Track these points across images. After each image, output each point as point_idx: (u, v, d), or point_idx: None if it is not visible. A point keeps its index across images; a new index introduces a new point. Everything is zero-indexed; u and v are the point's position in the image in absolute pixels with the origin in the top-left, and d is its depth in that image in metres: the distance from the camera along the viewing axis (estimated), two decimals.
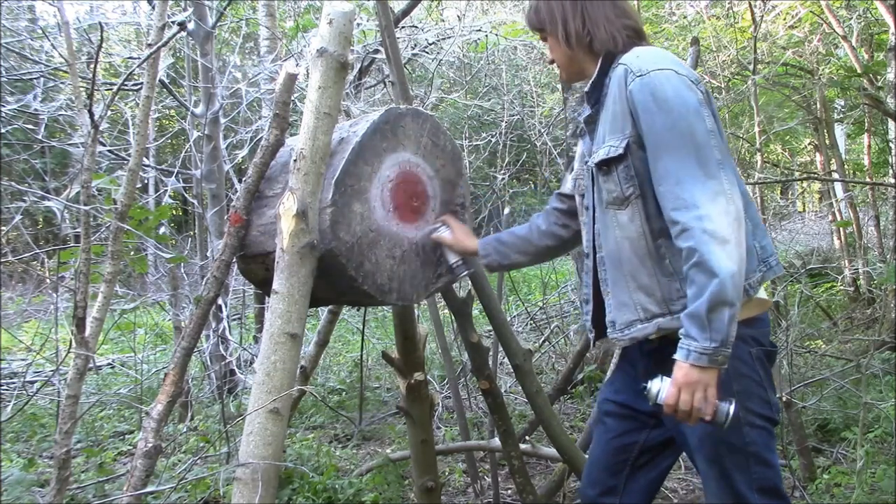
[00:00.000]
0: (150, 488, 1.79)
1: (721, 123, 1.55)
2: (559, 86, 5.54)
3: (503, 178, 5.59)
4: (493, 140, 5.83)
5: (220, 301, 4.14)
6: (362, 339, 4.20)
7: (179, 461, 3.44)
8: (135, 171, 2.25)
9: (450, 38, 6.44)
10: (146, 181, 7.23)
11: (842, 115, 7.86)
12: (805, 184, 15.08)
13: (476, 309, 2.70)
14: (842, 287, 6.73)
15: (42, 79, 5.17)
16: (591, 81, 1.64)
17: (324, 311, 3.31)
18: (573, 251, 4.83)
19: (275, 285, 1.72)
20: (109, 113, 3.22)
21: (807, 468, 3.02)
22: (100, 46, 2.45)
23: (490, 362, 2.70)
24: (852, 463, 2.92)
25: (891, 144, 6.25)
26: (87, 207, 2.15)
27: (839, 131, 8.35)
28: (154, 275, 5.36)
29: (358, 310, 6.19)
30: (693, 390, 1.41)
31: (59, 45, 5.36)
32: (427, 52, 6.56)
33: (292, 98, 1.96)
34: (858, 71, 5.18)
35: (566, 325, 6.11)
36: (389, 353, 2.40)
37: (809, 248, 9.20)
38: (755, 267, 1.54)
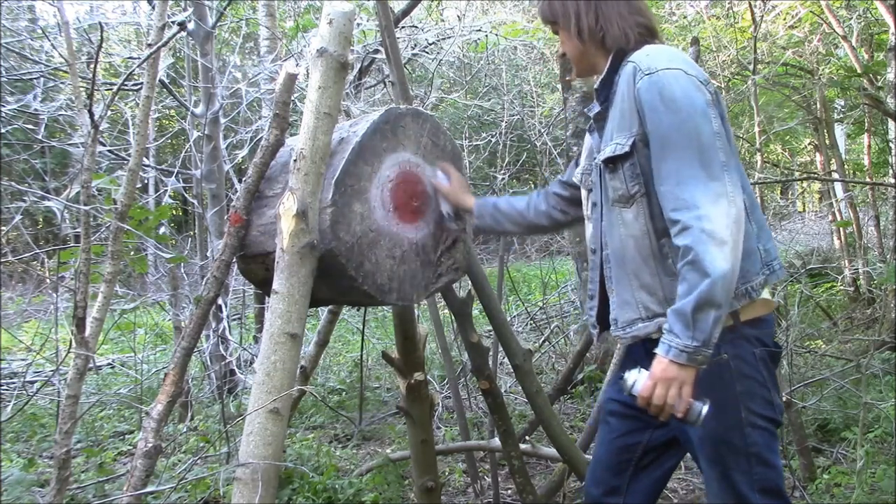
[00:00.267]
0: (150, 488, 1.79)
1: (729, 125, 1.55)
2: (559, 86, 5.54)
3: (503, 178, 5.58)
4: (493, 140, 5.82)
5: (220, 301, 4.14)
6: (362, 339, 4.20)
7: (179, 461, 3.44)
8: (135, 171, 2.25)
9: (450, 38, 6.44)
10: (146, 181, 7.22)
11: (842, 115, 7.86)
12: (805, 184, 15.08)
13: (476, 309, 2.70)
14: (842, 287, 6.73)
15: (42, 79, 5.16)
16: (601, 78, 1.65)
17: (324, 311, 3.31)
18: (573, 251, 4.84)
19: (275, 285, 1.72)
20: (109, 113, 3.22)
21: (807, 468, 3.02)
22: (100, 46, 2.45)
23: (490, 362, 2.70)
24: (852, 463, 2.92)
25: (891, 144, 6.25)
26: (87, 207, 2.15)
27: (839, 131, 8.35)
28: (154, 275, 5.35)
29: (358, 310, 6.18)
30: (668, 386, 1.42)
31: (59, 45, 5.36)
32: (427, 52, 6.56)
33: (292, 98, 1.96)
34: (858, 71, 5.18)
35: (566, 325, 6.12)
36: (389, 353, 2.40)
37: (809, 248, 9.20)
38: (758, 270, 1.54)
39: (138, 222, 2.59)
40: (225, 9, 5.02)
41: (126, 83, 3.80)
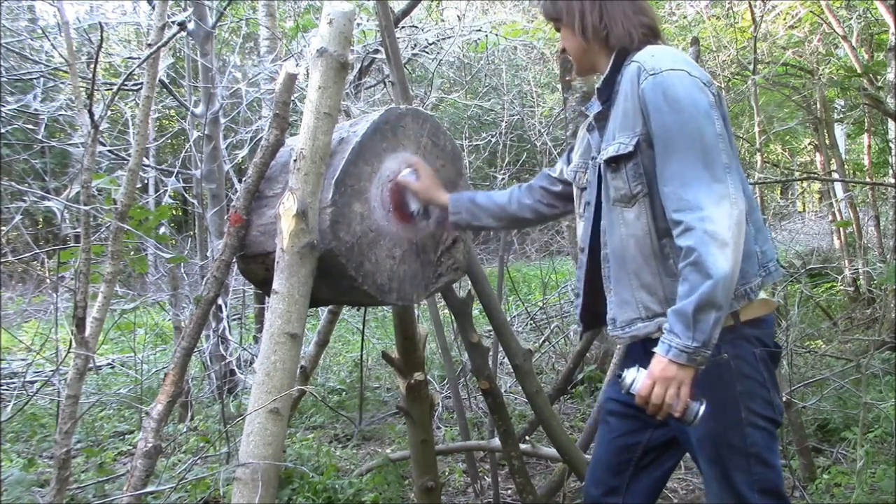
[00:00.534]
0: (150, 488, 1.79)
1: (730, 126, 1.55)
2: (559, 86, 5.54)
3: (503, 178, 5.58)
4: (493, 140, 5.82)
5: (220, 301, 4.14)
6: (362, 339, 4.20)
7: (179, 461, 3.44)
8: (135, 171, 2.25)
9: (450, 38, 6.44)
10: (146, 181, 7.22)
11: (842, 115, 7.86)
12: (805, 184, 15.08)
13: (476, 309, 2.70)
14: (842, 287, 6.72)
15: (42, 79, 5.16)
16: (603, 77, 1.64)
17: (324, 311, 3.31)
18: (573, 251, 4.84)
19: (275, 285, 1.72)
20: (109, 113, 3.22)
21: (807, 468, 3.02)
22: (100, 46, 2.45)
23: (490, 362, 2.70)
24: (852, 463, 2.92)
25: (891, 144, 6.25)
26: (87, 207, 2.15)
27: (839, 131, 8.35)
28: (154, 275, 5.35)
29: (358, 310, 6.19)
30: (667, 385, 1.42)
31: (59, 45, 5.35)
32: (427, 52, 6.56)
33: (292, 98, 1.96)
34: (858, 71, 5.18)
35: (566, 325, 6.11)
36: (389, 353, 2.40)
37: (809, 248, 9.20)
38: (755, 271, 1.54)
39: (138, 222, 2.59)
40: (225, 9, 5.02)
41: (126, 83, 3.80)
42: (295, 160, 1.75)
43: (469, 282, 2.40)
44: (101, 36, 2.48)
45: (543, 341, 5.85)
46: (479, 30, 6.50)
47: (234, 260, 1.94)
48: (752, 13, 5.20)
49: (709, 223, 1.40)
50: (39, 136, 4.77)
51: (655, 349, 1.45)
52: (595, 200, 1.67)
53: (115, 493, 2.74)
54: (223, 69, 5.49)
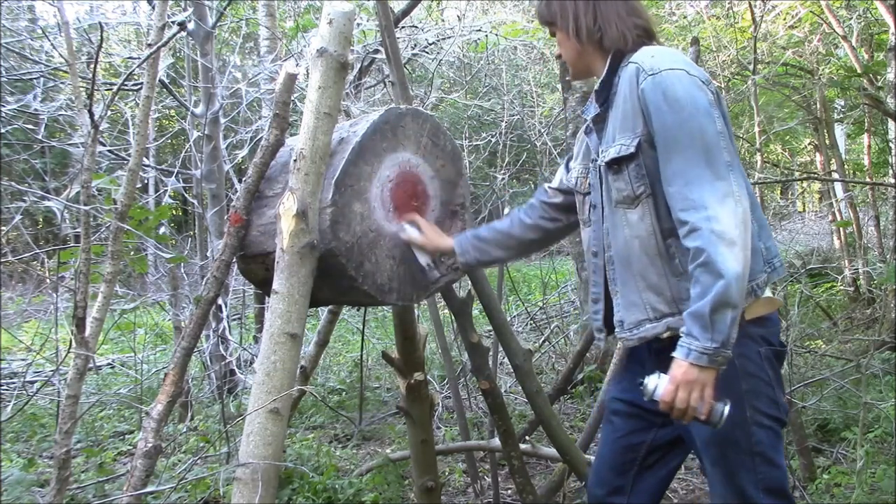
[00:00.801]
0: (150, 488, 1.79)
1: (730, 124, 1.55)
2: (559, 86, 5.54)
3: (503, 178, 5.59)
4: (493, 140, 5.83)
5: (220, 301, 4.14)
6: (362, 339, 4.20)
7: (179, 461, 3.44)
8: (135, 171, 2.25)
9: (450, 38, 6.44)
10: (146, 181, 7.22)
11: (842, 115, 7.86)
12: (805, 184, 15.09)
13: (476, 309, 2.70)
14: (842, 287, 6.73)
15: (42, 79, 5.16)
16: (600, 80, 1.64)
17: (324, 311, 3.31)
18: (573, 251, 4.84)
19: (275, 285, 1.72)
20: (109, 113, 3.22)
21: (807, 468, 3.02)
22: (100, 46, 2.45)
23: (490, 362, 2.70)
24: (852, 463, 2.92)
25: (891, 144, 6.25)
26: (87, 207, 2.15)
27: (839, 131, 8.35)
28: (154, 275, 5.35)
29: (358, 310, 6.19)
30: (690, 389, 1.41)
31: (59, 45, 5.36)
32: (427, 52, 6.56)
33: (292, 98, 1.96)
34: (858, 71, 5.18)
35: (566, 325, 6.12)
36: (389, 353, 2.40)
37: (809, 248, 9.20)
38: (761, 268, 1.54)
39: (138, 222, 2.59)
40: (225, 9, 5.02)
41: (126, 83, 3.81)
42: (295, 160, 1.75)
43: (469, 282, 2.40)
44: (101, 36, 2.48)
45: (543, 341, 5.85)
46: (479, 30, 6.50)
47: (234, 260, 1.94)
48: (752, 13, 5.20)
49: (715, 223, 1.40)
50: (39, 136, 4.77)
51: (675, 353, 1.44)
52: (601, 203, 1.66)
53: (115, 493, 2.74)
54: (223, 69, 5.49)
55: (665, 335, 1.55)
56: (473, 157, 6.71)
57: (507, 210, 4.95)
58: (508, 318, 5.21)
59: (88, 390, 4.83)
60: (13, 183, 5.78)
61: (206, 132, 4.70)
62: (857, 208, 7.15)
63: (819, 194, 14.81)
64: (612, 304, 1.67)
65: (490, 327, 2.58)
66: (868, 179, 7.21)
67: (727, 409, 1.43)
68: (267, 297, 2.27)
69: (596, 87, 1.66)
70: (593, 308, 1.74)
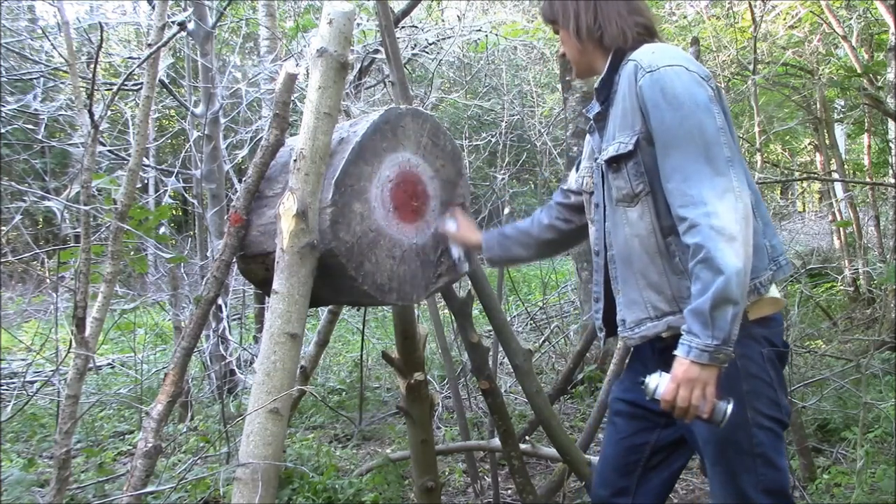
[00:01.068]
0: (150, 488, 1.79)
1: (731, 121, 1.54)
2: (559, 86, 5.54)
3: (503, 178, 5.59)
4: (493, 140, 5.83)
5: (220, 301, 4.14)
6: (362, 339, 4.20)
7: (179, 461, 3.44)
8: (135, 171, 2.25)
9: (450, 38, 6.45)
10: (146, 181, 7.22)
11: (842, 115, 7.86)
12: (805, 184, 15.08)
13: (476, 309, 2.70)
14: (842, 287, 6.72)
15: (42, 79, 5.17)
16: (601, 78, 1.64)
17: (324, 311, 3.31)
18: (574, 251, 4.84)
19: (275, 285, 1.72)
20: (109, 113, 3.22)
21: (807, 468, 3.02)
22: (100, 46, 2.45)
23: (490, 362, 2.70)
24: (852, 463, 2.92)
25: (891, 144, 6.25)
26: (87, 207, 2.15)
27: (839, 131, 8.35)
28: (154, 275, 5.36)
29: (358, 310, 6.19)
30: (692, 387, 1.41)
31: (59, 45, 5.36)
32: (427, 52, 6.56)
33: (292, 98, 1.96)
34: (858, 71, 5.18)
35: (566, 325, 6.12)
36: (389, 353, 2.40)
37: (809, 248, 9.20)
38: (766, 265, 1.53)
39: (138, 222, 2.59)
40: (225, 9, 5.02)
41: (126, 83, 3.81)
42: (295, 160, 1.75)
43: (469, 282, 2.40)
44: (101, 36, 2.48)
45: (543, 341, 5.85)
46: (479, 30, 6.51)
47: (234, 260, 1.94)
48: (752, 13, 5.20)
49: (714, 218, 1.39)
50: (39, 136, 4.77)
51: (676, 352, 1.43)
52: (603, 202, 1.66)
53: (115, 493, 2.74)
54: (223, 69, 5.49)
55: (666, 334, 1.54)
56: (473, 157, 6.71)
57: (507, 210, 4.96)
58: (508, 318, 5.21)
59: (88, 390, 4.83)
60: (13, 183, 5.78)
61: (206, 132, 4.70)
62: (857, 208, 7.15)
63: (819, 194, 14.81)
64: (613, 303, 1.67)
65: (490, 327, 2.58)
66: (868, 179, 7.21)
67: (730, 407, 1.42)
68: (267, 297, 2.27)
69: (596, 85, 1.66)
70: (594, 307, 1.75)
